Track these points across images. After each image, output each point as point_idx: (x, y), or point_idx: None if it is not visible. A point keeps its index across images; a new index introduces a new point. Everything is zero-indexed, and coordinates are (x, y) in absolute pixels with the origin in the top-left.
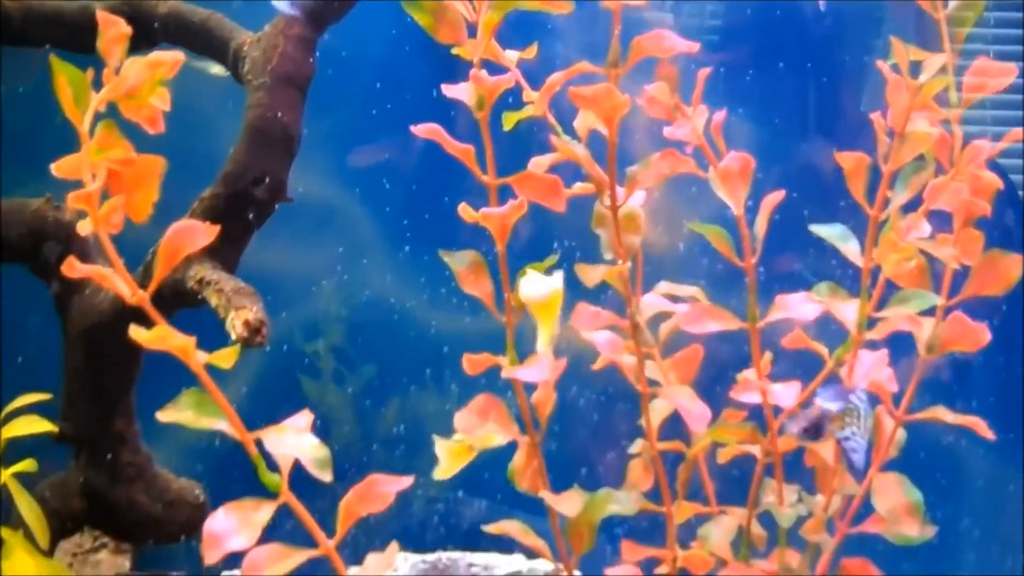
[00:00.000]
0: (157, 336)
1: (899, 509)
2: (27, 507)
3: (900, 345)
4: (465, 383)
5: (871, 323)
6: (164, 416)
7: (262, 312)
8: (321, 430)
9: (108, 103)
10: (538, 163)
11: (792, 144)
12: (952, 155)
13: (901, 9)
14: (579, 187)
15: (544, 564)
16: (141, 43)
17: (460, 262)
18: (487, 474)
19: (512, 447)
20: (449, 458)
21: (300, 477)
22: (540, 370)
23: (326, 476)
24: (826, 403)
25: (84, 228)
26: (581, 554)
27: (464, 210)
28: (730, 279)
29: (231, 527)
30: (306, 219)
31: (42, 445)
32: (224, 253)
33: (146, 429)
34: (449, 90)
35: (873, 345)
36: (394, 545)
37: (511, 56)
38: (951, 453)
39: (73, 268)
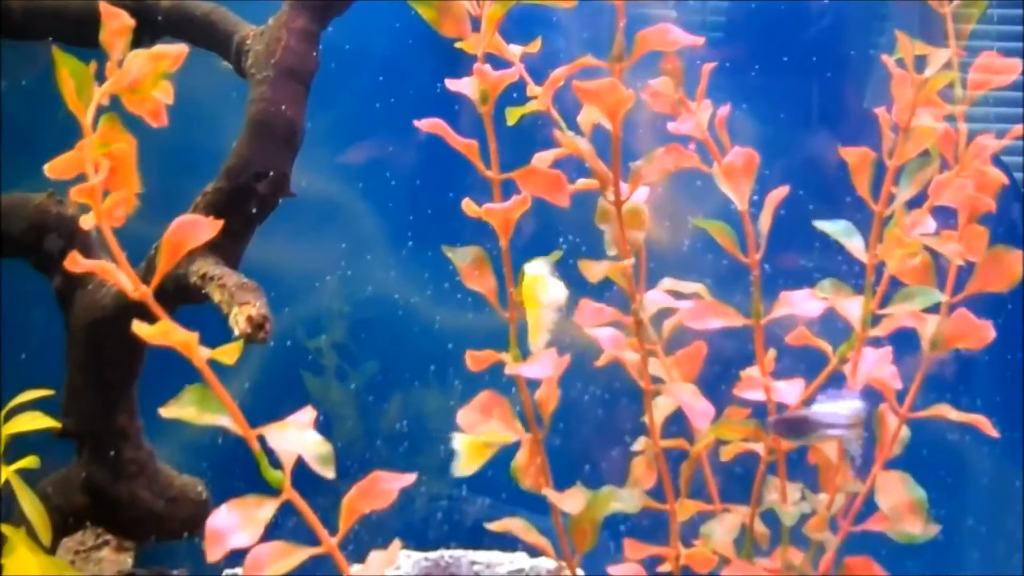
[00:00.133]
0: (160, 331)
1: (902, 507)
2: (29, 504)
3: (904, 342)
4: (468, 379)
5: (875, 319)
6: (167, 412)
7: (265, 308)
8: (324, 427)
9: (111, 96)
10: (542, 158)
11: (796, 140)
12: (957, 151)
13: (905, 5)
14: (583, 182)
15: (547, 562)
16: (144, 36)
17: (463, 258)
18: (490, 471)
19: (515, 444)
20: (468, 454)
21: (303, 474)
22: (543, 367)
23: (329, 473)
24: (818, 412)
25: (87, 222)
26: (584, 552)
27: (467, 205)
28: (735, 276)
29: (233, 524)
30: (309, 214)
31: (44, 441)
32: (227, 248)
33: (148, 425)
34: (453, 84)
35: (877, 342)
36: (396, 543)
37: (515, 50)
38: (954, 450)
39: (76, 263)
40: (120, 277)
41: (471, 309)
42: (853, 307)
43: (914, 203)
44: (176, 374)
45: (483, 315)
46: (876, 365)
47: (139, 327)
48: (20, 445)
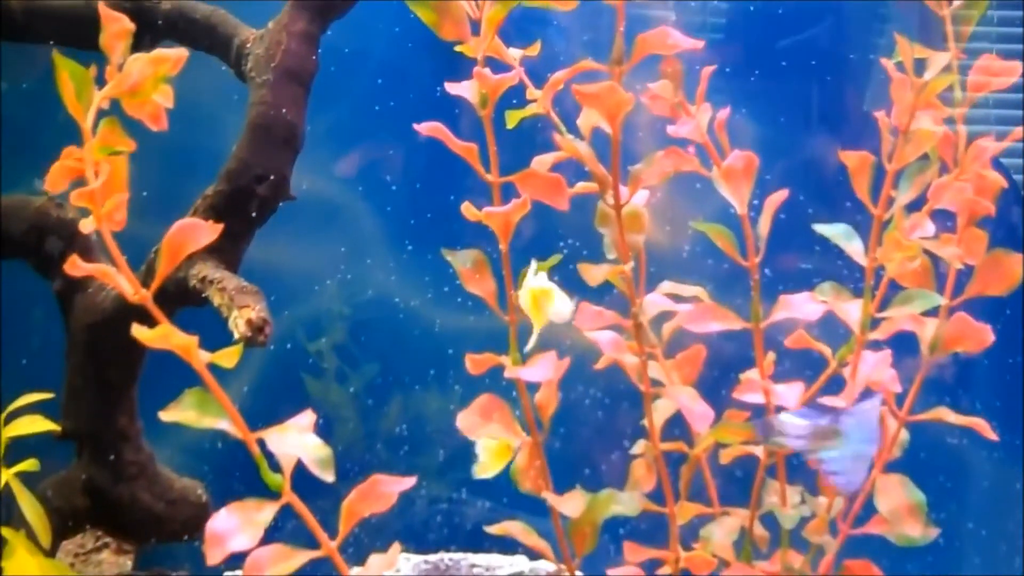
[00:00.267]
0: (159, 335)
1: (901, 510)
2: (29, 506)
3: (904, 345)
4: (468, 383)
5: (874, 323)
6: (167, 415)
7: (265, 311)
8: (324, 429)
9: (111, 100)
10: (541, 161)
11: (796, 143)
12: (956, 154)
13: (904, 7)
14: (582, 186)
15: (546, 565)
16: (144, 39)
17: (463, 261)
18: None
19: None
20: (490, 458)
21: (303, 477)
22: (543, 370)
23: (328, 476)
24: (783, 419)
25: (87, 225)
26: (583, 555)
27: (467, 208)
28: (734, 279)
29: (233, 527)
30: (309, 217)
31: (44, 443)
32: (227, 251)
33: (148, 428)
34: (452, 87)
35: (877, 345)
36: (396, 545)
37: (514, 53)
38: (954, 454)
39: (76, 266)
40: (120, 280)
41: (471, 312)
42: (852, 310)
43: (913, 206)
44: (176, 377)
45: (483, 318)
46: (875, 368)
47: (139, 330)
48: (20, 447)
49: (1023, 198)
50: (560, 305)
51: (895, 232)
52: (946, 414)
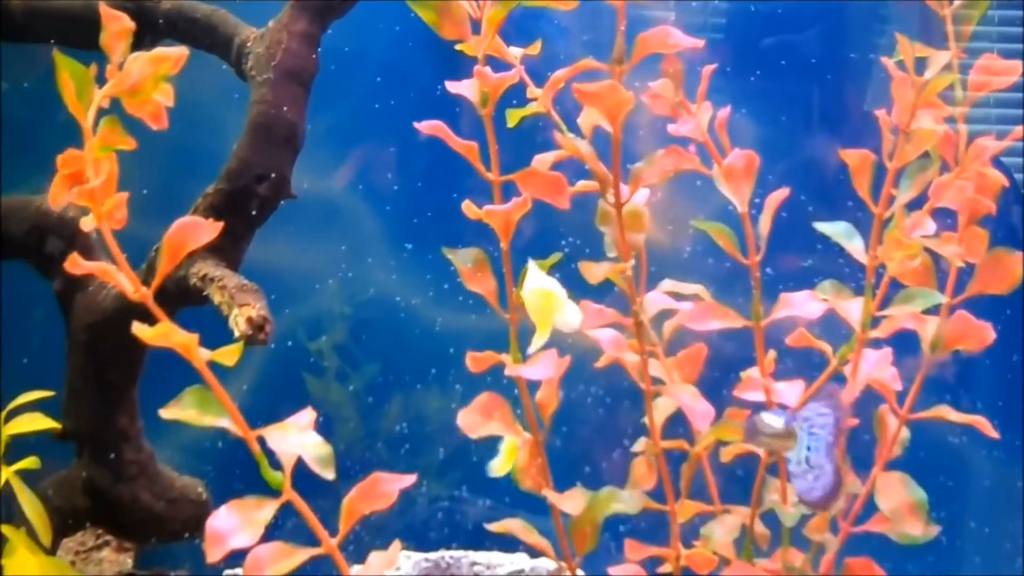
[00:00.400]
0: (160, 333)
1: (902, 508)
2: (29, 504)
3: (905, 344)
4: (469, 381)
5: (875, 321)
6: (167, 413)
7: (265, 309)
8: (325, 428)
9: (112, 98)
10: (542, 160)
11: (797, 142)
12: (957, 153)
13: (905, 7)
14: (583, 184)
15: (547, 563)
16: (144, 39)
17: (464, 260)
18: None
19: None
20: (506, 455)
21: (303, 475)
22: (543, 368)
23: (328, 473)
24: (765, 420)
25: (87, 224)
26: (584, 553)
27: (468, 207)
28: (736, 278)
29: (233, 525)
30: (309, 216)
31: (45, 442)
32: (227, 250)
33: (149, 427)
34: (453, 86)
35: (877, 343)
36: (397, 543)
37: (515, 52)
38: (955, 453)
39: (76, 264)
40: (120, 279)
41: (471, 311)
42: (853, 309)
43: (914, 205)
44: (177, 376)
45: (484, 317)
46: (876, 366)
47: (139, 328)
48: (20, 446)
49: (1022, 197)
50: (569, 315)
51: (896, 230)
52: (947, 412)
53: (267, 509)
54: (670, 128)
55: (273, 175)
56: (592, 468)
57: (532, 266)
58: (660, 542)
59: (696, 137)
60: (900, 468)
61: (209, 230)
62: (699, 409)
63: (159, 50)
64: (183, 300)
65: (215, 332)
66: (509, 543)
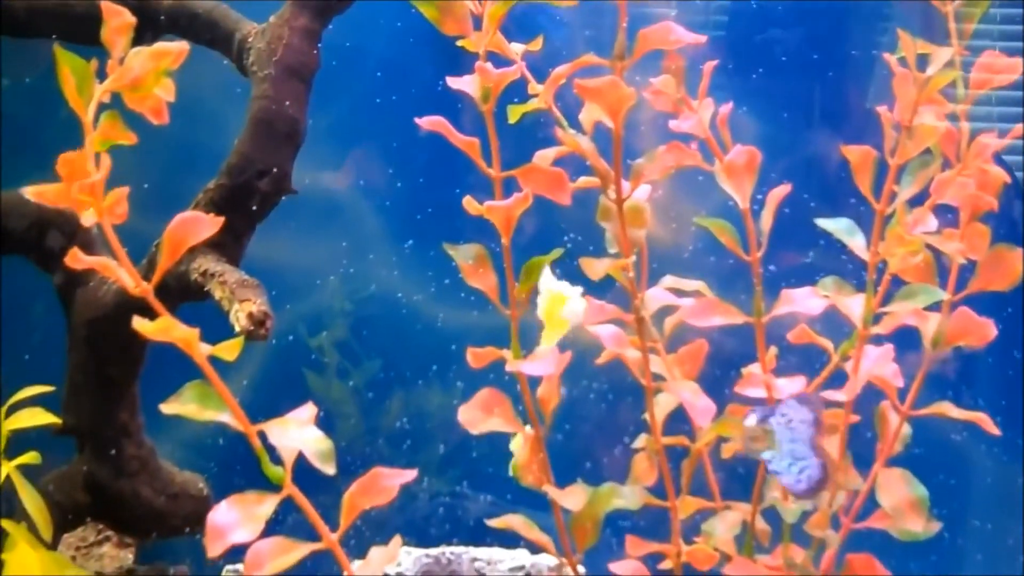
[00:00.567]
0: (160, 327)
1: (903, 505)
2: (30, 500)
3: (906, 340)
4: (470, 377)
5: (877, 317)
6: (167, 408)
7: (266, 305)
8: (326, 425)
9: (113, 94)
10: (543, 156)
11: (799, 139)
12: (959, 149)
13: (907, 5)
14: (584, 180)
15: (548, 559)
16: (146, 34)
17: (465, 255)
18: (491, 468)
19: None
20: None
21: (304, 474)
22: (544, 364)
23: (329, 469)
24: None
25: (87, 219)
26: (585, 549)
27: (469, 203)
28: (737, 275)
29: (234, 520)
30: (310, 212)
31: (45, 438)
32: (228, 246)
33: (150, 423)
34: (454, 82)
35: (879, 340)
36: (397, 539)
37: (516, 48)
38: (956, 451)
39: (77, 259)
40: (121, 273)
41: (473, 307)
42: (855, 305)
43: (916, 201)
44: (177, 372)
45: (485, 313)
46: (878, 363)
47: (140, 323)
48: (21, 441)
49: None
50: (573, 304)
51: (898, 227)
52: (948, 409)
53: (268, 504)
54: (672, 124)
55: (274, 171)
56: (593, 464)
57: (548, 272)
58: (661, 538)
59: (698, 133)
60: (901, 465)
61: (210, 225)
62: (700, 405)
63: (160, 45)
64: (184, 295)
65: (216, 328)
66: (510, 539)
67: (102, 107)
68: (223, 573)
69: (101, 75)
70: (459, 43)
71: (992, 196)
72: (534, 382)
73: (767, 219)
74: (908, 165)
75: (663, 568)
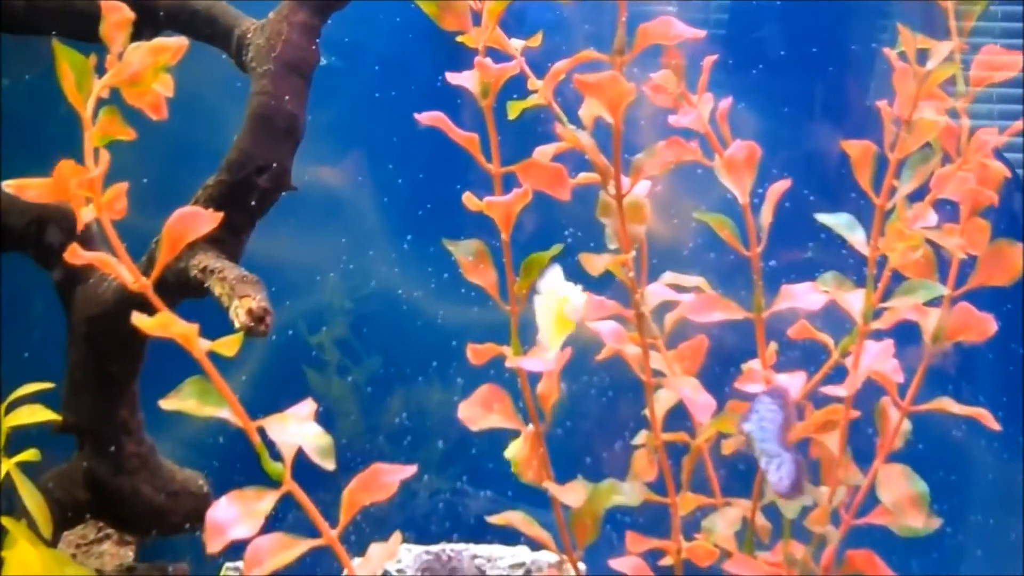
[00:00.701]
0: (160, 323)
1: (904, 500)
2: (30, 497)
3: (906, 336)
4: (471, 374)
5: (877, 313)
6: (167, 404)
7: (266, 301)
8: (326, 421)
9: (112, 89)
10: (543, 152)
11: (799, 134)
12: (959, 144)
13: (907, 6)
14: (584, 176)
15: (548, 555)
16: (144, 31)
17: (464, 251)
18: (491, 465)
19: (516, 435)
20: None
21: (304, 468)
22: (544, 360)
23: (329, 464)
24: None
25: (87, 215)
26: (585, 545)
27: (468, 199)
28: (737, 271)
29: (234, 516)
30: (310, 208)
31: (45, 435)
32: (227, 242)
33: (150, 421)
34: (453, 78)
35: (879, 335)
36: (397, 535)
37: (516, 44)
38: (957, 447)
39: (76, 255)
40: (120, 270)
41: (473, 303)
42: (855, 300)
43: (916, 196)
44: (177, 369)
45: (485, 309)
46: (878, 358)
47: (139, 319)
48: (21, 439)
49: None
50: (573, 299)
51: (898, 222)
52: (949, 404)
53: (267, 500)
54: (671, 120)
55: (273, 167)
56: (593, 460)
57: (551, 273)
58: (661, 535)
59: (697, 129)
60: (902, 461)
61: (209, 221)
62: (700, 401)
63: (159, 40)
64: (183, 292)
65: (215, 324)
66: (510, 536)
67: (101, 103)
68: (223, 570)
69: (100, 71)
70: (458, 39)
71: (992, 191)
72: (534, 378)
73: (767, 214)
74: (908, 160)
75: (663, 564)
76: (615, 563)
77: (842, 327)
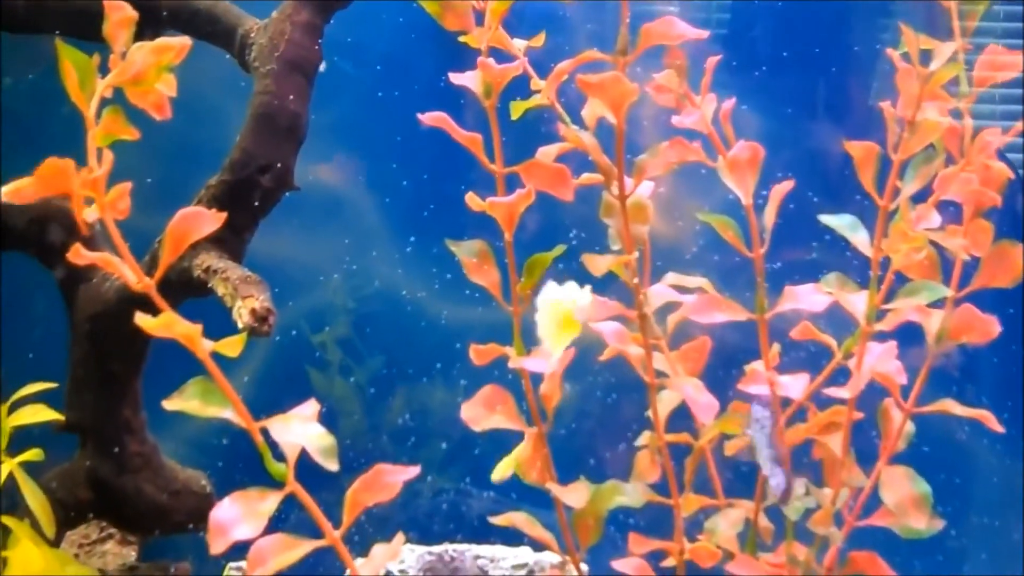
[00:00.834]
0: (163, 323)
1: (907, 502)
2: (33, 497)
3: (910, 337)
4: (474, 374)
5: (880, 314)
6: (170, 405)
7: (269, 301)
8: (329, 422)
9: (115, 89)
10: (546, 152)
11: (802, 136)
12: (962, 145)
13: (909, 6)
14: (587, 177)
15: (551, 556)
16: (147, 30)
17: (467, 252)
18: (493, 465)
19: (518, 438)
20: (504, 465)
21: (307, 469)
22: (547, 361)
23: (332, 465)
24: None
25: (90, 214)
26: (588, 546)
27: (471, 199)
28: (742, 271)
29: (237, 516)
30: (313, 208)
31: (47, 434)
32: (230, 241)
33: (152, 420)
34: (456, 78)
35: (882, 337)
36: (400, 536)
37: (519, 44)
38: (960, 449)
39: (79, 255)
40: (124, 269)
41: (476, 304)
42: (858, 301)
43: (919, 197)
44: (180, 368)
45: (488, 310)
46: (881, 360)
47: (142, 319)
48: (24, 438)
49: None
50: (580, 299)
51: (901, 223)
52: (952, 406)
53: (270, 500)
54: (674, 120)
55: (276, 166)
56: (596, 461)
57: (551, 284)
58: (664, 536)
59: (701, 129)
60: (905, 462)
61: (212, 221)
62: (703, 402)
63: (162, 40)
64: (186, 291)
65: (218, 324)
66: (513, 536)
67: (104, 102)
68: (226, 570)
69: (103, 70)
70: (461, 39)
71: (995, 192)
72: (537, 379)
73: (770, 215)
74: (911, 161)
75: (666, 565)
76: (618, 564)
77: (845, 328)
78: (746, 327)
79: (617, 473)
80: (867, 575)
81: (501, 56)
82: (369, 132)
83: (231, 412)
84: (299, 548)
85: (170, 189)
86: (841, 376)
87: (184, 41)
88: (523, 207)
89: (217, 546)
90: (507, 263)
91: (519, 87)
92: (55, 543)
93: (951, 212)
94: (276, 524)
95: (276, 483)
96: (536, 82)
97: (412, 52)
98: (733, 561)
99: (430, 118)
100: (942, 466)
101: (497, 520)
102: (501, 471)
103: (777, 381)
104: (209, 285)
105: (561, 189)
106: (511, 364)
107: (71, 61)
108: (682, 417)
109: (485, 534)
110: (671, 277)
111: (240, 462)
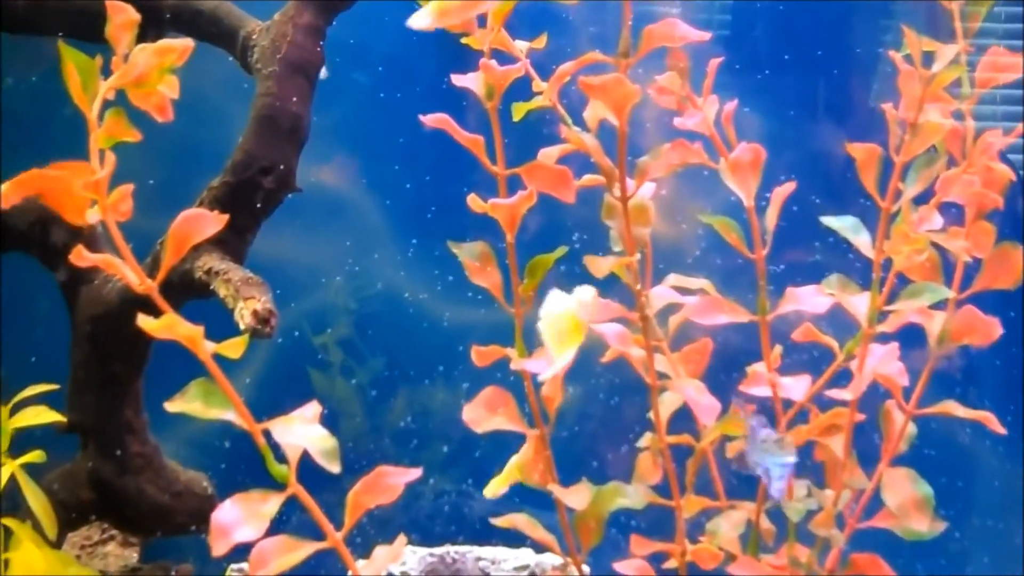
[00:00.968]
0: (165, 325)
1: (908, 504)
2: (35, 498)
3: (912, 339)
4: (476, 376)
5: (882, 316)
6: (172, 406)
7: (271, 303)
8: (330, 424)
9: (117, 91)
10: (547, 154)
11: (804, 137)
12: (964, 147)
13: (911, 7)
14: (589, 178)
15: (552, 558)
16: (149, 31)
17: (469, 253)
18: (495, 467)
19: (520, 439)
20: (501, 478)
21: (309, 471)
22: (548, 363)
23: (334, 467)
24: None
25: (92, 216)
26: (589, 548)
27: (473, 200)
28: (744, 273)
29: (238, 518)
30: (315, 210)
31: (49, 435)
32: (232, 243)
33: (154, 421)
34: (458, 80)
35: (884, 338)
36: (402, 538)
37: (521, 46)
38: (962, 451)
39: (81, 256)
40: (126, 271)
41: (478, 305)
42: (860, 303)
43: (921, 199)
44: (182, 369)
45: (490, 311)
46: (883, 361)
47: (144, 320)
48: (26, 439)
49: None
50: (581, 293)
51: (903, 225)
52: (954, 408)
53: (272, 502)
54: (676, 122)
55: (278, 168)
56: (598, 463)
57: (554, 293)
58: (666, 537)
59: (702, 131)
60: (907, 464)
61: (214, 223)
62: (705, 404)
63: (164, 42)
64: (188, 293)
65: (220, 325)
66: (514, 538)
67: (106, 104)
68: (228, 572)
69: (106, 72)
70: (463, 40)
71: (997, 194)
72: (539, 381)
73: (772, 217)
74: (913, 163)
75: (667, 567)
76: (619, 566)
77: (847, 330)
78: (748, 329)
79: (619, 475)
80: None
81: (503, 58)
82: (371, 133)
83: (233, 414)
84: (301, 550)
85: (172, 191)
86: (843, 378)
87: (186, 43)
88: (525, 209)
89: (219, 548)
90: (509, 265)
91: (521, 89)
92: (57, 545)
93: (953, 214)
94: (278, 526)
95: (278, 485)
96: (538, 84)
97: (414, 54)
98: (735, 563)
99: (432, 120)
100: (944, 468)
101: (499, 522)
102: (494, 488)
103: (779, 383)
104: (211, 287)
105: (563, 191)
106: (513, 366)
107: (74, 63)
108: (684, 419)
109: (487, 536)
110: (673, 279)
111: (242, 464)
